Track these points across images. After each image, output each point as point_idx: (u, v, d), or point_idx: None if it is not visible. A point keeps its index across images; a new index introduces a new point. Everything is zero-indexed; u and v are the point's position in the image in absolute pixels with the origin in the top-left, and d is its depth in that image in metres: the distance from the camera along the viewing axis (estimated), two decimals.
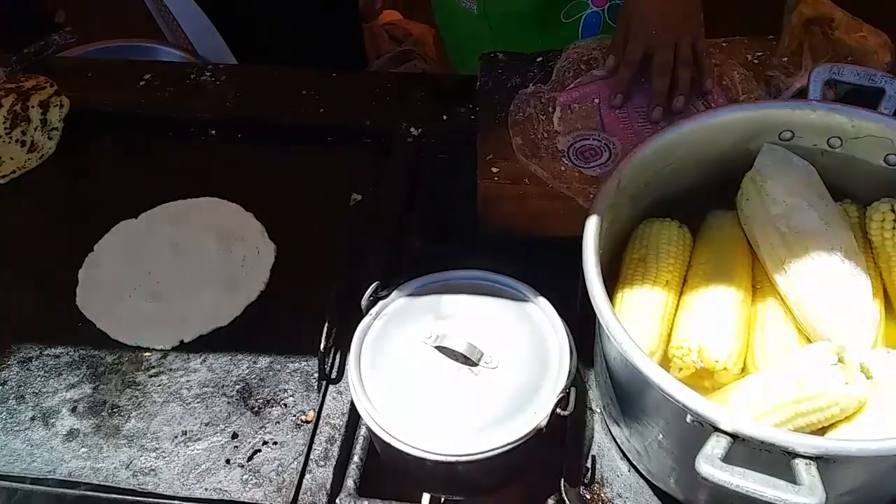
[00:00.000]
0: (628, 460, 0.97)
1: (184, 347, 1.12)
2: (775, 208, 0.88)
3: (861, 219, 0.92)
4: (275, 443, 1.02)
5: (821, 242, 0.85)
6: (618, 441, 0.98)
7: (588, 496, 0.94)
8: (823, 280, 0.84)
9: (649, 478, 0.94)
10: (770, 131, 0.92)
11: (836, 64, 0.90)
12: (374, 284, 0.97)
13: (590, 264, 0.82)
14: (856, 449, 0.68)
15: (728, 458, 0.71)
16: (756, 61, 1.20)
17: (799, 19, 1.16)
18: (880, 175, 0.91)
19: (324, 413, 1.03)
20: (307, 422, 1.03)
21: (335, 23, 2.00)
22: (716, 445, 0.70)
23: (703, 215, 1.00)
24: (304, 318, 1.08)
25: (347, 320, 1.01)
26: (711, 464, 0.68)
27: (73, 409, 1.06)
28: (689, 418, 0.74)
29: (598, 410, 1.02)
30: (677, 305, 0.92)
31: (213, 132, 1.36)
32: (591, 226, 0.84)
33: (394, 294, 0.98)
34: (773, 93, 1.15)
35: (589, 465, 0.97)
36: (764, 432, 0.69)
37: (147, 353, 1.11)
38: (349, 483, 0.97)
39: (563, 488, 0.92)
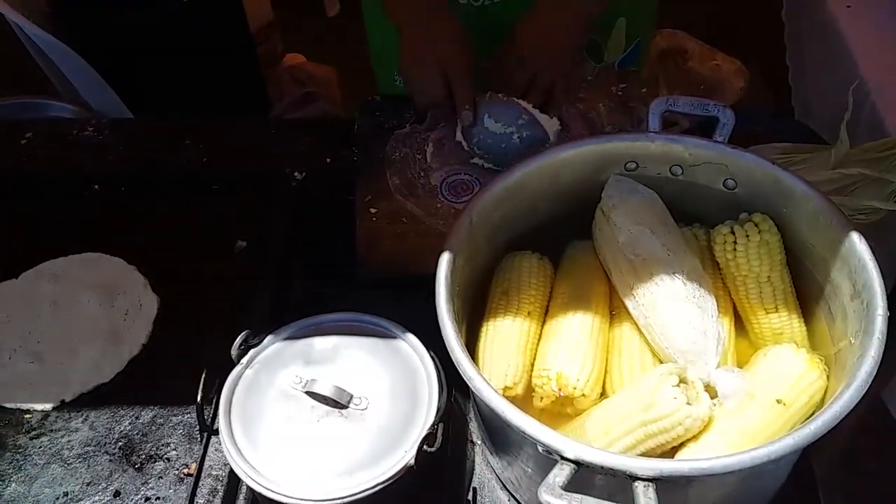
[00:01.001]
0: (508, 491, 0.99)
1: (65, 406, 1.10)
2: (622, 237, 0.91)
3: (709, 241, 0.95)
4: (157, 498, 1.01)
5: (664, 268, 0.88)
6: (496, 472, 0.99)
7: None
8: (668, 304, 0.87)
9: None
10: (616, 163, 0.96)
11: (672, 96, 0.93)
12: (243, 333, 0.97)
13: (441, 303, 0.84)
14: (688, 469, 0.71)
15: (585, 487, 0.73)
16: (620, 93, 1.25)
17: (655, 51, 1.21)
18: (721, 199, 0.95)
19: (206, 465, 1.02)
20: (190, 475, 1.02)
21: (234, 69, 2.01)
22: (558, 474, 0.72)
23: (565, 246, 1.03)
24: (187, 369, 1.06)
25: (230, 369, 1.01)
26: (551, 492, 0.70)
27: None
28: (539, 448, 0.76)
29: (479, 443, 1.03)
30: (540, 335, 0.95)
31: (97, 186, 1.35)
32: (443, 265, 0.86)
33: (266, 341, 0.99)
34: (635, 122, 1.19)
35: (470, 497, 0.99)
36: (603, 458, 0.71)
37: (28, 415, 1.10)
38: None
39: None
